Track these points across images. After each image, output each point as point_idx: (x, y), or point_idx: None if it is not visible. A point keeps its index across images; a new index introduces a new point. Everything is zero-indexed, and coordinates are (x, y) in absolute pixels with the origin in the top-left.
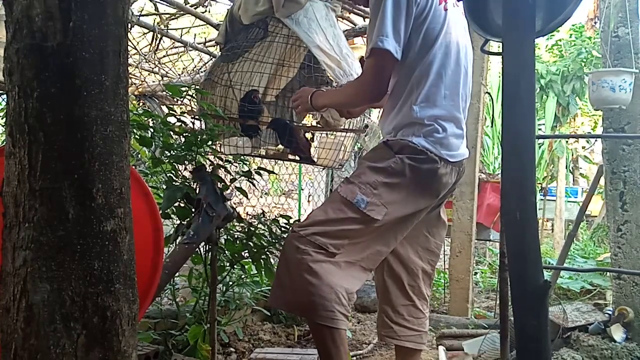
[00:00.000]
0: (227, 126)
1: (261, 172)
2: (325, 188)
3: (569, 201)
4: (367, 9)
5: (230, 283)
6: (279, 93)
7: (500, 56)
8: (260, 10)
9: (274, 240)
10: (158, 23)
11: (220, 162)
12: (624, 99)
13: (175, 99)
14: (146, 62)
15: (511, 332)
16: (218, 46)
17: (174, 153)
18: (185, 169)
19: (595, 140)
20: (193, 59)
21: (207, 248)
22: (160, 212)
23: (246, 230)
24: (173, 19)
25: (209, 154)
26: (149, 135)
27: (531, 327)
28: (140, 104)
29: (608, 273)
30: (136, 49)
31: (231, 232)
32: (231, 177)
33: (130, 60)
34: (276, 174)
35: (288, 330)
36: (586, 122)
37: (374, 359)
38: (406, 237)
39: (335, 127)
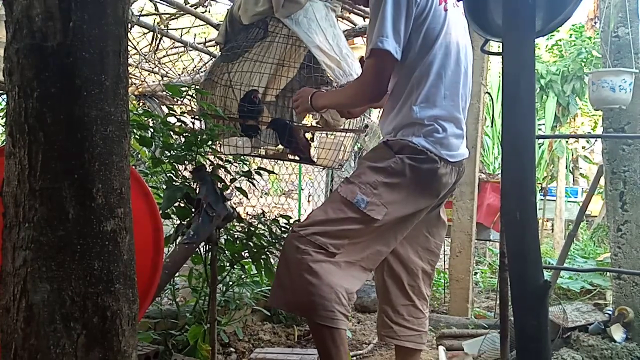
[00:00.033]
0: (227, 126)
1: (261, 172)
2: (325, 188)
3: (569, 201)
4: (367, 9)
5: (230, 283)
6: (279, 93)
7: (500, 56)
8: (260, 10)
9: (274, 240)
10: (158, 23)
11: (220, 162)
12: (624, 99)
13: (175, 99)
14: (146, 62)
15: (511, 332)
16: (218, 46)
17: (174, 153)
18: (185, 169)
19: (595, 140)
20: (193, 59)
21: (207, 248)
22: (160, 212)
23: (246, 230)
24: (173, 19)
25: (209, 154)
26: (149, 135)
27: (531, 327)
28: (140, 104)
29: (608, 273)
30: (136, 49)
31: (231, 232)
32: (231, 177)
33: (130, 60)
34: (276, 174)
35: (288, 330)
36: (586, 122)
37: (374, 359)
38: (406, 237)
39: (335, 127)
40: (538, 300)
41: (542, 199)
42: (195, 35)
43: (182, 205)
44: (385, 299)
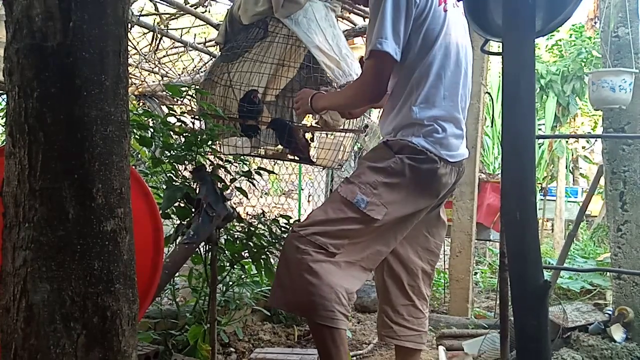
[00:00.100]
0: (227, 126)
1: (261, 172)
2: (325, 188)
3: (569, 201)
4: (367, 9)
5: (230, 283)
6: (278, 93)
7: (500, 56)
8: (259, 10)
9: (274, 240)
10: (158, 23)
11: (220, 162)
12: (624, 99)
13: (175, 99)
14: (146, 62)
15: (511, 332)
16: (218, 46)
17: (174, 153)
18: (185, 169)
19: (595, 140)
20: (193, 59)
21: (207, 248)
22: (160, 212)
23: (246, 230)
24: (173, 19)
25: (209, 154)
26: (149, 135)
27: (531, 327)
28: (140, 104)
29: (608, 273)
30: (136, 49)
31: (231, 232)
32: (231, 177)
33: (130, 60)
34: (276, 174)
35: (288, 330)
36: (586, 122)
37: (374, 359)
38: (406, 237)
39: (334, 127)
40: (538, 300)
41: (542, 199)
42: (195, 35)
43: (182, 205)
44: (385, 299)
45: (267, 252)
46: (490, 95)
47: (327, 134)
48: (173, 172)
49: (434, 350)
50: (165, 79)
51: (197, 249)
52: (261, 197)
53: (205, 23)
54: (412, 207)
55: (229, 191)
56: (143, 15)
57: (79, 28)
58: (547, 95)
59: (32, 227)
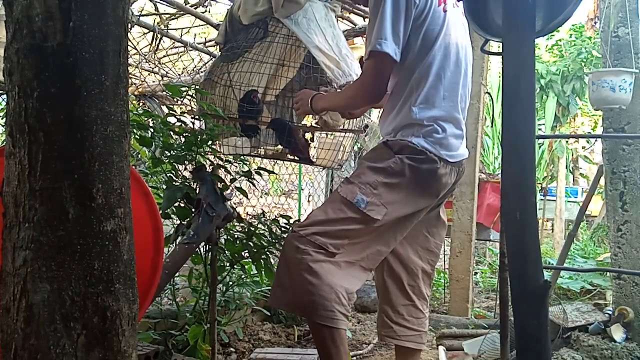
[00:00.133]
0: (227, 126)
1: (261, 172)
2: (325, 188)
3: (569, 201)
4: (367, 9)
5: (230, 283)
6: (278, 93)
7: (500, 56)
8: (259, 10)
9: (274, 240)
10: (158, 23)
11: (220, 162)
12: (624, 99)
13: (175, 99)
14: (146, 62)
15: (511, 332)
16: (218, 46)
17: (174, 153)
18: (185, 169)
19: (595, 140)
20: (193, 59)
21: (207, 248)
22: (160, 212)
23: (246, 230)
24: (173, 19)
25: (209, 154)
26: (149, 135)
27: (531, 327)
28: (140, 104)
29: (608, 273)
30: (136, 49)
31: (231, 232)
32: (231, 177)
33: (130, 60)
34: (276, 174)
35: (288, 330)
36: (586, 122)
37: (374, 359)
38: (406, 237)
39: (334, 127)
40: (538, 300)
41: (542, 199)
42: (195, 35)
43: (182, 205)
44: (385, 299)
45: (267, 252)
46: (490, 95)
47: (327, 134)
48: (173, 172)
49: (434, 350)
50: (165, 79)
51: (197, 249)
52: (261, 197)
53: (205, 23)
54: (412, 207)
55: (229, 191)
56: (143, 15)
57: (79, 28)
58: (547, 95)
59: (32, 227)
